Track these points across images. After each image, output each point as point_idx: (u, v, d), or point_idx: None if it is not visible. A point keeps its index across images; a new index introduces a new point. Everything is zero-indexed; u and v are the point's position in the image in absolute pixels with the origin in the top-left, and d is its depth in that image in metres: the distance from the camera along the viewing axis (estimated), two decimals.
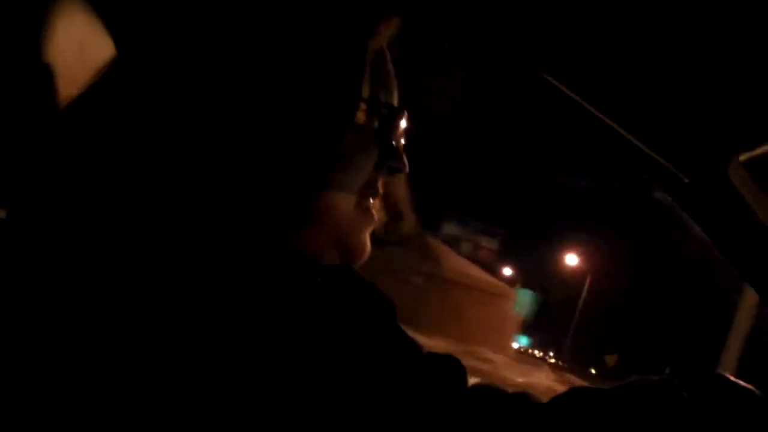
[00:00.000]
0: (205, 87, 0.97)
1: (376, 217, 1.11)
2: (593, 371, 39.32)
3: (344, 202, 1.05)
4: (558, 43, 1.21)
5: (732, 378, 1.16)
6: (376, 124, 1.06)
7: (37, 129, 1.02)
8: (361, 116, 1.04)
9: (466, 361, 1.34)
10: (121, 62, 1.03)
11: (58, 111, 1.04)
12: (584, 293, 42.61)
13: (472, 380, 1.34)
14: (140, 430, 0.81)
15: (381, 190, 1.11)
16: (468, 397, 1.30)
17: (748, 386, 1.14)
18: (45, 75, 1.04)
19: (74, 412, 0.79)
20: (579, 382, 17.23)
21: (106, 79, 1.01)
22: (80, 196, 0.94)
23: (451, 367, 1.31)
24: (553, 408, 1.27)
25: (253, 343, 0.93)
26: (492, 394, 1.32)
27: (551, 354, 49.83)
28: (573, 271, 46.75)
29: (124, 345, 0.84)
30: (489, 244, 47.49)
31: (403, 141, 1.12)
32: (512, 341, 32.37)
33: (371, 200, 1.10)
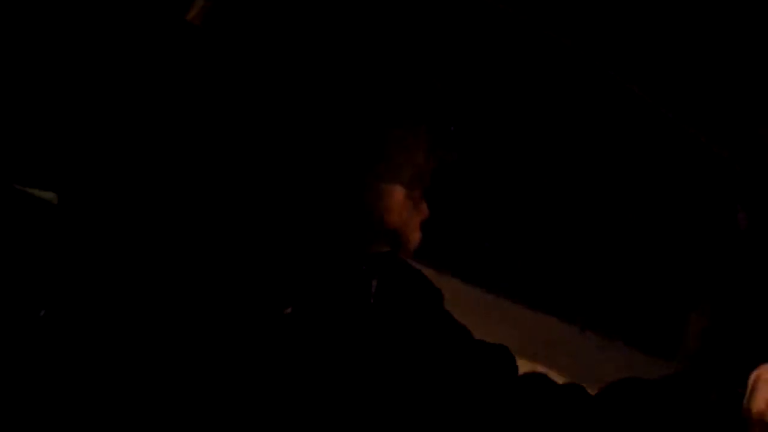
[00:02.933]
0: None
1: (427, 207, 1.09)
2: None
3: (393, 191, 1.04)
4: None
5: None
6: (429, 109, 1.05)
7: (87, 124, 1.02)
8: (413, 101, 1.03)
9: None
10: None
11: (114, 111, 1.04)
12: None
13: None
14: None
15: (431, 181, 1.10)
16: (517, 386, 1.28)
17: None
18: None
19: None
20: None
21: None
22: (128, 185, 0.94)
23: (501, 356, 1.29)
24: (603, 400, 1.25)
25: (292, 329, 0.94)
26: (541, 384, 1.30)
27: None
28: None
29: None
30: None
31: (455, 129, 1.10)
32: None
33: (421, 190, 1.08)
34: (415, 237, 1.09)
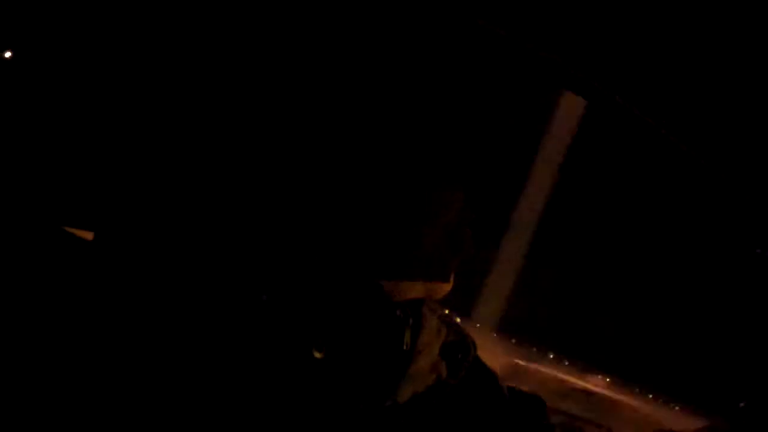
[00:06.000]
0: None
1: (467, 250, 1.11)
2: None
3: (434, 238, 1.06)
4: None
5: None
6: (467, 167, 1.08)
7: (120, 166, 1.05)
8: (452, 156, 1.06)
9: None
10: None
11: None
12: None
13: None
14: None
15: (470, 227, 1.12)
16: None
17: None
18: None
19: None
20: None
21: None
22: (167, 228, 0.96)
23: (533, 405, 1.28)
24: None
25: (322, 371, 0.94)
26: None
27: None
28: None
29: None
30: None
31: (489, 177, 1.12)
32: None
33: (461, 234, 1.10)
34: (449, 281, 1.11)
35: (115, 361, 0.87)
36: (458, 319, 1.32)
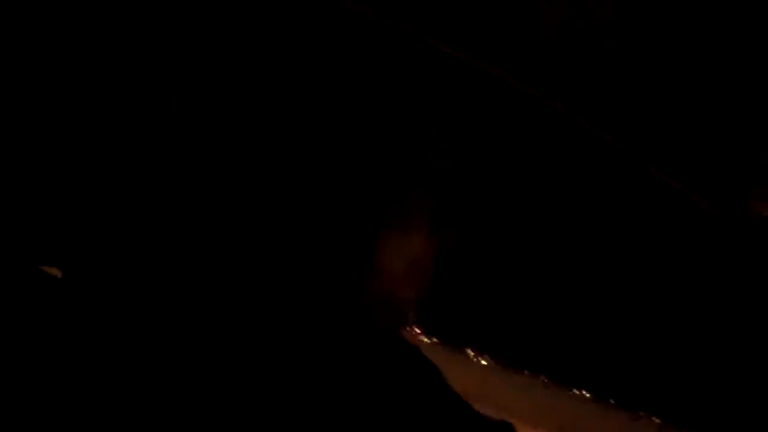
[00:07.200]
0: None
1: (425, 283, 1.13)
2: None
3: (392, 267, 1.08)
4: None
5: None
6: (434, 189, 1.09)
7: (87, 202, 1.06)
8: (418, 181, 1.08)
9: None
10: None
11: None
12: None
13: None
14: None
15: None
16: None
17: None
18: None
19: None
20: None
21: None
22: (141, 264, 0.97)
23: (502, 430, 1.29)
24: None
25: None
26: None
27: None
28: None
29: None
30: None
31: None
32: None
33: (421, 267, 1.12)
34: (410, 310, 1.12)
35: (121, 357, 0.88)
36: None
